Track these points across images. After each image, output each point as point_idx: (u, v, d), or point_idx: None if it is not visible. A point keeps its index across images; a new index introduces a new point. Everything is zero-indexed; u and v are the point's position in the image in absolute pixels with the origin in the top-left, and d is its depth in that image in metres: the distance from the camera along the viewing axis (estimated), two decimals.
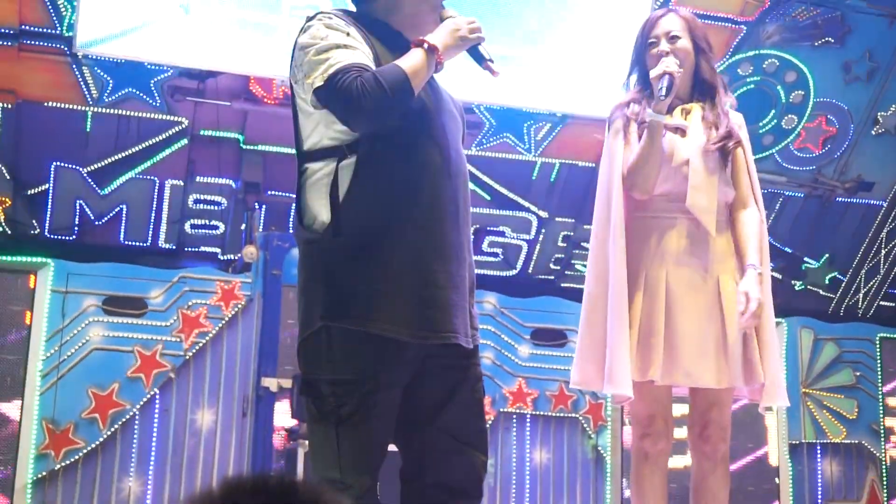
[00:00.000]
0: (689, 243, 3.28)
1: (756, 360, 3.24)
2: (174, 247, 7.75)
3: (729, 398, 3.34)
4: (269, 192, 7.74)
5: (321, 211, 2.62)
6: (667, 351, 3.20)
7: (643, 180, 3.29)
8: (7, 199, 7.27)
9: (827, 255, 9.28)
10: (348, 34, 2.62)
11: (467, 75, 6.95)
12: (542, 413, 7.77)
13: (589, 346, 3.33)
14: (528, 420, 7.74)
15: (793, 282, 9.20)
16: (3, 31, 6.96)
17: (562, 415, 7.79)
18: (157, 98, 7.38)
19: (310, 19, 2.70)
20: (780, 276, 9.07)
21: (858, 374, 8.77)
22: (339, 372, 2.58)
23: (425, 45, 2.61)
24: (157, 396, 6.94)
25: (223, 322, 7.11)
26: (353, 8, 2.86)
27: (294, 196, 7.55)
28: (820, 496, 8.48)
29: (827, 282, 9.32)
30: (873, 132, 8.96)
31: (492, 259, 8.43)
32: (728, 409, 3.36)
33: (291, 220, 6.98)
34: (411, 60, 2.59)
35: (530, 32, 7.49)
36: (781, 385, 3.32)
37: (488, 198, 8.27)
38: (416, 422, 2.72)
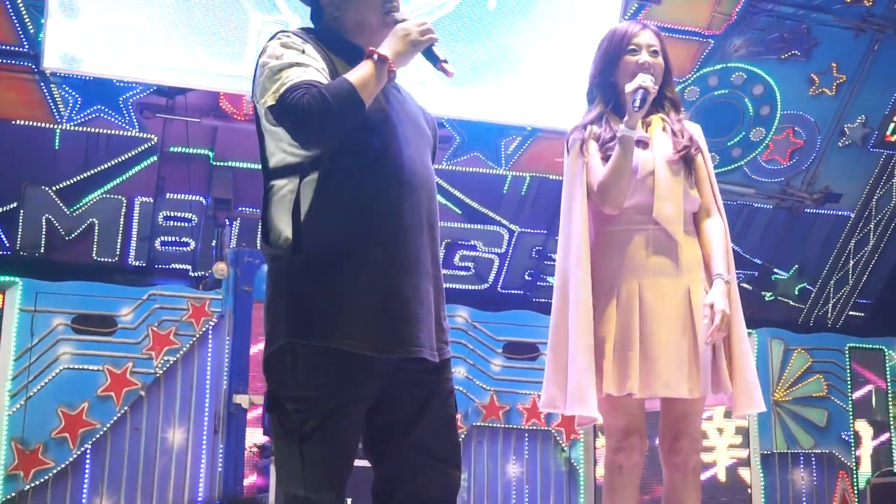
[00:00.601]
0: (658, 254, 3.29)
1: (723, 368, 3.24)
2: (144, 264, 7.71)
3: (700, 409, 3.34)
4: (240, 209, 7.71)
5: (285, 228, 2.62)
6: (644, 363, 3.20)
7: (616, 195, 3.28)
8: None
9: (796, 266, 9.35)
10: (303, 52, 2.64)
11: (437, 90, 6.99)
12: (514, 426, 7.77)
13: (554, 368, 3.33)
14: (500, 434, 7.74)
15: (763, 293, 9.27)
16: None
17: (534, 428, 7.80)
18: (126, 115, 7.35)
19: (270, 38, 2.72)
20: (750, 287, 9.14)
21: (828, 383, 8.83)
22: (303, 388, 2.57)
23: (374, 56, 2.60)
24: (128, 415, 6.89)
25: (194, 339, 7.07)
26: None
27: None
28: None
29: (797, 292, 9.39)
30: (840, 144, 9.05)
31: (463, 273, 8.43)
32: (699, 420, 3.36)
33: (258, 237, 6.93)
34: (359, 72, 2.58)
35: (501, 48, 7.52)
36: (753, 393, 3.31)
37: (459, 212, 8.28)
38: (388, 437, 2.71)
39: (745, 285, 9.15)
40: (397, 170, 2.66)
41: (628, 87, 3.26)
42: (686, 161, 3.34)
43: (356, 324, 2.56)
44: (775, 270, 9.32)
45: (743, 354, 3.29)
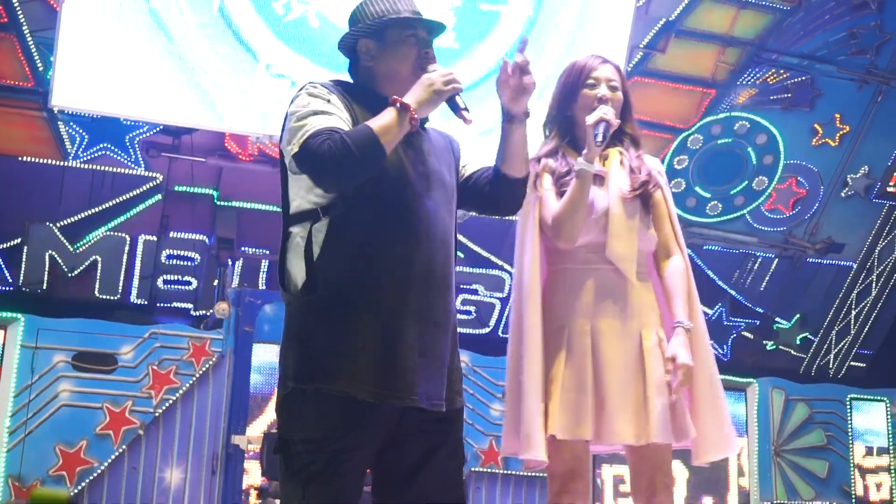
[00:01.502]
0: (610, 295, 3.20)
1: (684, 415, 3.18)
2: (146, 302, 7.71)
3: (669, 457, 3.24)
4: (243, 249, 7.73)
5: (298, 272, 2.68)
6: (596, 408, 3.11)
7: (570, 229, 3.19)
8: None
9: (798, 316, 9.34)
10: (329, 101, 2.71)
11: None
12: (513, 472, 7.73)
13: (509, 412, 3.26)
14: (499, 479, 7.70)
15: (764, 342, 9.25)
16: None
17: (532, 474, 7.75)
18: (133, 153, 7.39)
19: (299, 89, 2.79)
20: (751, 336, 9.13)
21: (829, 434, 8.79)
22: (310, 430, 2.61)
23: (397, 104, 2.66)
24: (126, 454, 6.86)
25: (194, 378, 7.06)
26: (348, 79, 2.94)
27: (266, 252, 7.45)
28: None
29: (798, 342, 9.37)
30: (843, 194, 9.07)
31: (465, 317, 8.43)
32: (670, 468, 3.25)
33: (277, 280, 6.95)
34: (381, 119, 2.64)
35: None
36: (718, 439, 3.19)
37: (461, 255, 8.30)
38: (392, 484, 2.72)
39: (746, 334, 9.14)
40: (409, 219, 2.70)
41: (589, 119, 3.18)
42: (643, 199, 3.25)
43: (357, 370, 2.59)
44: (777, 320, 9.31)
45: (706, 400, 3.20)
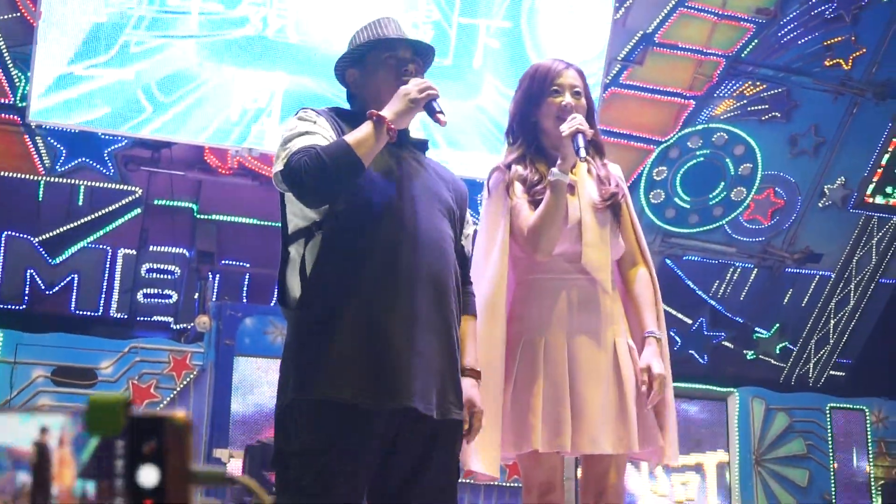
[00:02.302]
0: (585, 305, 3.18)
1: (652, 423, 3.19)
2: (126, 316, 7.69)
3: (625, 463, 3.24)
4: (223, 262, 7.71)
5: (294, 288, 2.77)
6: (574, 418, 3.09)
7: (548, 241, 3.15)
8: None
9: (778, 325, 9.39)
10: (315, 122, 2.81)
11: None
12: (496, 483, 7.72)
13: None
14: (482, 491, 7.69)
15: (744, 351, 9.29)
16: None
17: (516, 485, 7.75)
18: (111, 167, 7.38)
19: (294, 115, 2.89)
20: (731, 346, 9.17)
21: (809, 443, 8.82)
22: (304, 443, 2.65)
23: (373, 117, 2.73)
24: None
25: (175, 392, 7.03)
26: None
27: (246, 265, 7.48)
28: None
29: (778, 351, 9.42)
30: (820, 205, 9.14)
31: None
32: (624, 474, 3.25)
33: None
34: (357, 133, 2.72)
35: (477, 107, 7.58)
36: (675, 445, 3.23)
37: None
38: (388, 493, 2.74)
39: (726, 344, 9.18)
40: (398, 227, 2.76)
41: (564, 131, 3.12)
42: (613, 208, 3.24)
43: (351, 376, 2.64)
44: (756, 329, 9.35)
45: (670, 409, 3.22)
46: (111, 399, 1.01)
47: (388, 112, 2.75)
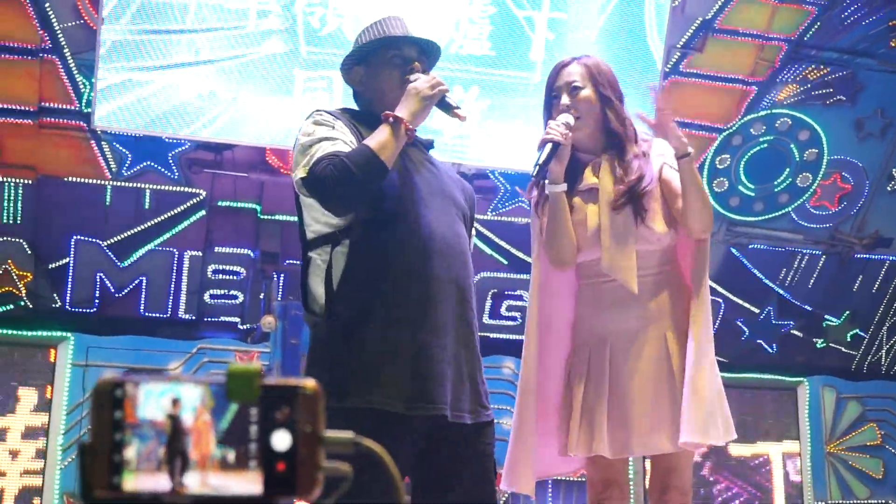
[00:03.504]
0: (622, 306, 3.12)
1: (712, 412, 3.04)
2: (194, 317, 7.78)
3: (688, 462, 3.17)
4: (287, 262, 7.77)
5: (320, 295, 2.77)
6: (618, 422, 3.04)
7: (557, 254, 3.14)
8: (28, 274, 7.33)
9: (848, 313, 9.23)
10: (333, 127, 2.82)
11: (479, 141, 7.03)
12: (555, 477, 7.69)
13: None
14: (548, 485, 7.67)
15: (814, 340, 9.15)
16: (23, 109, 7.08)
17: (582, 479, 7.71)
18: (175, 171, 7.48)
19: (306, 118, 2.90)
20: (801, 335, 9.03)
21: (883, 433, 8.67)
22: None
23: (390, 119, 2.75)
24: None
25: None
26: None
27: None
28: None
29: (849, 339, 9.26)
30: (888, 188, 8.96)
31: (510, 323, 8.41)
32: (687, 473, 3.18)
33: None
34: (377, 136, 2.73)
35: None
36: (697, 422, 3.01)
37: (505, 262, 8.28)
38: (426, 495, 2.75)
39: (795, 332, 9.05)
40: (424, 236, 2.79)
41: (540, 141, 3.07)
42: (634, 201, 3.12)
43: (386, 383, 2.67)
44: (826, 317, 9.20)
45: (693, 383, 3.04)
46: (247, 369, 1.08)
47: (403, 112, 2.77)
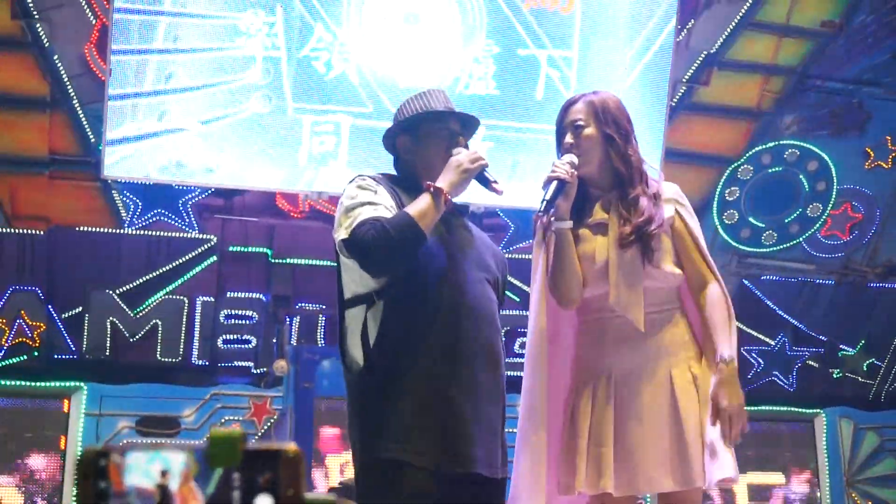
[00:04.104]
0: (628, 342, 3.07)
1: (724, 452, 3.05)
2: (207, 362, 7.78)
3: (698, 498, 3.10)
4: (299, 305, 7.79)
5: (357, 354, 2.91)
6: (623, 459, 2.99)
7: (563, 291, 3.09)
8: (42, 325, 7.35)
9: (863, 342, 9.18)
10: (376, 192, 2.95)
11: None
12: None
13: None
14: None
15: (830, 370, 9.09)
16: (34, 159, 7.15)
17: None
18: (186, 217, 7.51)
19: (349, 182, 3.04)
20: (816, 365, 8.98)
21: None
22: (375, 499, 2.84)
23: (431, 189, 2.88)
24: None
25: (257, 437, 7.10)
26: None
27: (322, 308, 7.61)
28: None
29: (865, 368, 9.20)
30: None
31: (523, 361, 8.38)
32: None
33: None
34: (417, 204, 2.87)
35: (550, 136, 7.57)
36: (700, 465, 2.98)
37: (517, 299, 8.27)
38: None
39: (811, 363, 9.00)
40: (456, 298, 2.92)
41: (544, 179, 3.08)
42: (643, 240, 3.07)
43: (418, 439, 2.80)
44: (842, 347, 9.15)
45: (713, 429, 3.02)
46: (229, 434, 1.10)
47: (444, 183, 2.90)
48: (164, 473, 1.11)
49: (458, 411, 2.82)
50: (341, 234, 2.87)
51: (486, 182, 3.02)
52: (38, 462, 6.94)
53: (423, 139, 3.10)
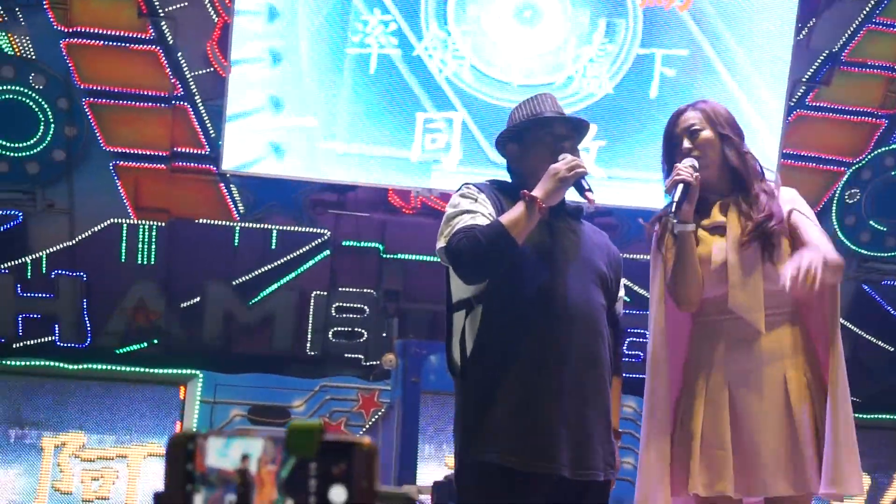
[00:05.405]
0: (744, 345, 3.09)
1: (845, 461, 2.98)
2: (319, 354, 7.91)
3: (809, 503, 3.13)
4: (409, 301, 7.85)
5: (457, 358, 3.03)
6: (739, 461, 3.02)
7: (683, 293, 3.13)
8: (161, 313, 7.58)
9: None
10: (476, 200, 3.04)
11: (599, 181, 7.03)
12: None
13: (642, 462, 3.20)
14: None
15: None
16: (156, 154, 7.37)
17: None
18: (300, 212, 7.65)
19: (455, 190, 3.15)
20: None
21: None
22: (473, 498, 2.97)
23: (525, 197, 2.93)
24: None
25: (364, 430, 7.19)
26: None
27: (430, 304, 7.68)
28: None
29: None
30: None
31: (633, 361, 8.31)
32: None
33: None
34: (511, 213, 2.93)
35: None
36: (832, 472, 2.98)
37: (628, 299, 8.16)
38: None
39: None
40: (551, 303, 2.99)
41: (667, 183, 3.14)
42: (763, 239, 3.11)
43: (507, 442, 2.90)
44: None
45: (834, 433, 3.00)
46: (308, 425, 1.14)
47: (539, 192, 2.94)
48: (244, 458, 1.16)
49: (545, 415, 2.91)
50: (441, 242, 2.99)
51: (580, 190, 3.07)
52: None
53: (529, 147, 3.15)
